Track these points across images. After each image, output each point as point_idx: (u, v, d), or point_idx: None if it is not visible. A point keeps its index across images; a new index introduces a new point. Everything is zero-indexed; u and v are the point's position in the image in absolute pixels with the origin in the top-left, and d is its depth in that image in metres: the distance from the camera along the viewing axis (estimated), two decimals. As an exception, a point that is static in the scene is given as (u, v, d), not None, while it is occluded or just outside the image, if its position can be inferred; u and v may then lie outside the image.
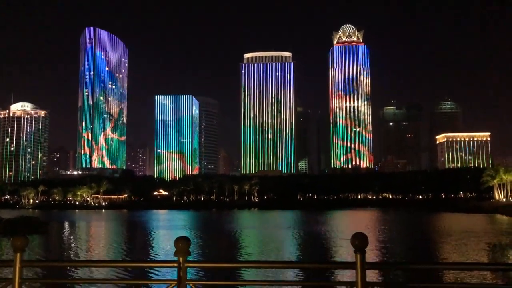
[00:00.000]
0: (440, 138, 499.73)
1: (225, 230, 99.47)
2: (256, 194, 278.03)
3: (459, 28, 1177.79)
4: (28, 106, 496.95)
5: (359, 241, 7.40)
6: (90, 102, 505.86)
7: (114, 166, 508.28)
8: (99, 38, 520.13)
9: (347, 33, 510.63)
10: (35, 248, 62.21)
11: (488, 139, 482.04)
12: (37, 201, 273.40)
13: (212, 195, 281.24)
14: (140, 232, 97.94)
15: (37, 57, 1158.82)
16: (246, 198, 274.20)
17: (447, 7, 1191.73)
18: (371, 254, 52.43)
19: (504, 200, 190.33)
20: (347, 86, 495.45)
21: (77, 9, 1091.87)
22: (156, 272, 36.18)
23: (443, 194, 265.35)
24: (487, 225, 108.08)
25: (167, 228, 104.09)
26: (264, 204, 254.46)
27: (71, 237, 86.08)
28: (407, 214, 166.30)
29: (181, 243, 7.65)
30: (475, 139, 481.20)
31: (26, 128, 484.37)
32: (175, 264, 7.53)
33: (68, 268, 38.82)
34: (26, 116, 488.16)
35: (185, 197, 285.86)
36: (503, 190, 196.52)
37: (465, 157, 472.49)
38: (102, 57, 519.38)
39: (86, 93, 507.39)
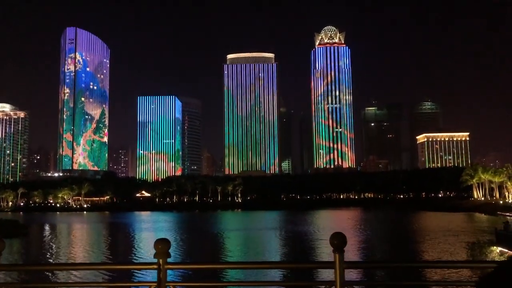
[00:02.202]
0: (421, 138, 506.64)
1: (207, 231, 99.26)
2: (239, 195, 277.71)
3: (440, 29, 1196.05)
4: (7, 107, 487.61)
5: (337, 241, 7.46)
6: (71, 103, 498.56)
7: (95, 168, 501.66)
8: (80, 38, 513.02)
9: (329, 35, 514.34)
10: (14, 252, 61.19)
11: (467, 139, 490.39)
12: (19, 204, 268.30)
13: (195, 196, 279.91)
14: (121, 235, 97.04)
15: (16, 57, 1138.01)
16: (230, 199, 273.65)
17: (428, 9, 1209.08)
18: (351, 254, 52.94)
19: (482, 199, 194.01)
20: (329, 87, 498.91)
21: (57, 8, 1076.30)
22: (136, 275, 35.95)
23: (423, 194, 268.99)
24: (467, 224, 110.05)
25: (149, 230, 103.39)
26: (247, 204, 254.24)
27: (52, 240, 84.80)
28: (388, 213, 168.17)
29: (161, 245, 7.62)
30: (455, 139, 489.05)
31: (5, 129, 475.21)
32: (155, 266, 7.51)
33: (47, 271, 38.28)
34: (5, 117, 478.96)
35: (168, 199, 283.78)
36: (482, 189, 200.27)
37: (445, 157, 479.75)
38: (83, 57, 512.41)
39: (67, 94, 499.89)
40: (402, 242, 73.97)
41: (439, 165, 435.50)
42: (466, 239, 70.51)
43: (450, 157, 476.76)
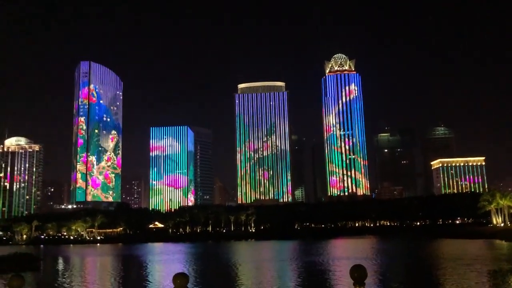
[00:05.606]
0: (435, 163, 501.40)
1: (222, 263, 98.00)
2: (252, 224, 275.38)
3: (451, 54, 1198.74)
4: (22, 141, 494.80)
5: (358, 273, 7.29)
6: (85, 136, 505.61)
7: (109, 199, 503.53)
8: (93, 71, 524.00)
9: (339, 62, 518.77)
10: (28, 286, 60.85)
11: (483, 163, 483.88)
12: (33, 237, 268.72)
13: (208, 226, 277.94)
14: (136, 267, 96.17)
15: (31, 91, 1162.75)
16: (243, 228, 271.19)
17: (438, 33, 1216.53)
18: (371, 285, 51.62)
19: (502, 225, 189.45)
20: (341, 114, 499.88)
21: (71, 42, 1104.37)
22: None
23: (440, 220, 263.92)
24: (487, 251, 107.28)
25: (164, 262, 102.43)
26: (261, 234, 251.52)
27: (65, 273, 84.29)
28: (406, 242, 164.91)
29: (180, 280, 7.51)
30: (470, 164, 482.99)
31: (20, 163, 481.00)
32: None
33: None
34: (21, 150, 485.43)
35: (181, 229, 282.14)
36: (501, 215, 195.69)
37: (461, 182, 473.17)
38: (97, 90, 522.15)
39: (80, 127, 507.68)
40: (422, 272, 72.09)
41: (455, 190, 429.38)
42: (487, 267, 68.53)
43: (466, 183, 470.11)
